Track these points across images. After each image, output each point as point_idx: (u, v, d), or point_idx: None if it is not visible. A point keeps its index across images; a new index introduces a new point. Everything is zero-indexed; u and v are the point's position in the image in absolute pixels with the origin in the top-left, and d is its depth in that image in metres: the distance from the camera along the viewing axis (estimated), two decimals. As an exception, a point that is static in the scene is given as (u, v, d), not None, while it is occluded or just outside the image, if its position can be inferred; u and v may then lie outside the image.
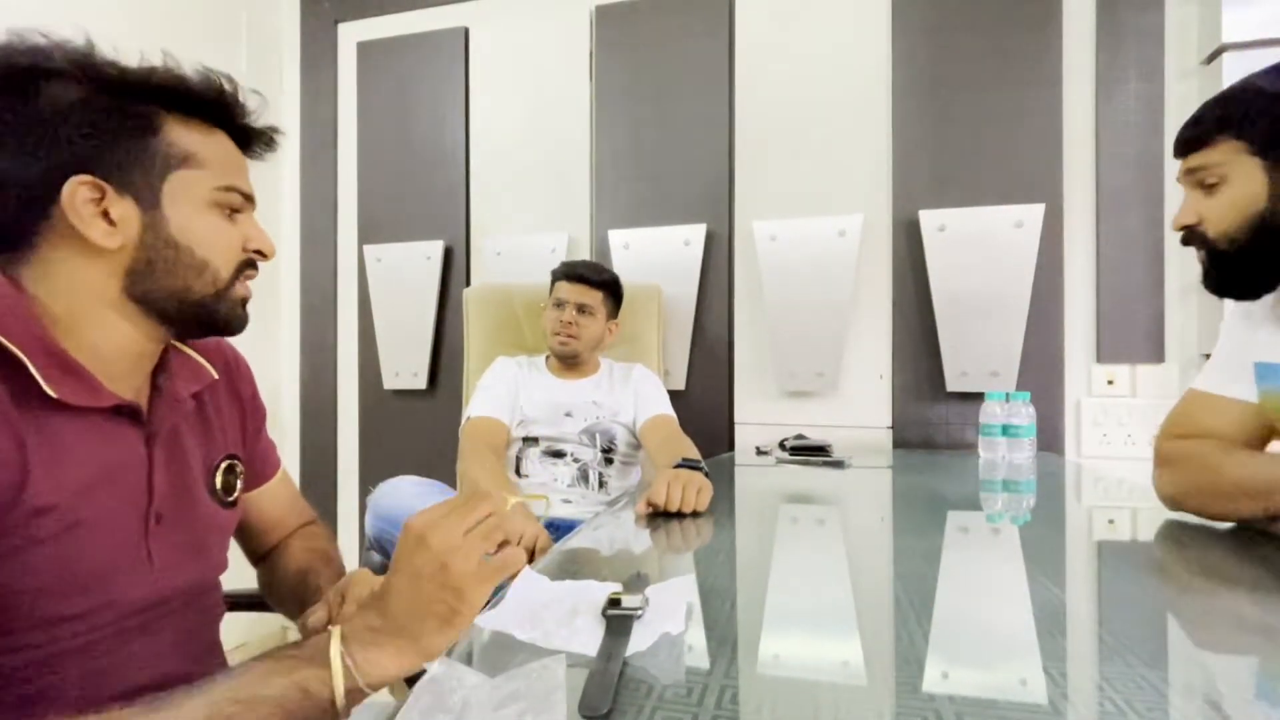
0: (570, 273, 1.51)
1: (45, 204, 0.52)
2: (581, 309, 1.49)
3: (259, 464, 0.78)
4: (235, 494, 0.71)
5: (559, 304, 1.50)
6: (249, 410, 0.75)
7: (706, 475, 1.04)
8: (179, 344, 0.66)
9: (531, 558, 1.08)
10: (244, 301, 0.63)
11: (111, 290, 0.55)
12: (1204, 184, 0.81)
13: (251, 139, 0.63)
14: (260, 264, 0.64)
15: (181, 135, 0.57)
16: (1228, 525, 0.84)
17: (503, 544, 0.51)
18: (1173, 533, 0.87)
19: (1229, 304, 0.89)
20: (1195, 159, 0.81)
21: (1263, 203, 0.76)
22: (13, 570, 0.50)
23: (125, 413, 0.58)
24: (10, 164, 0.51)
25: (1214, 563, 0.75)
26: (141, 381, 0.61)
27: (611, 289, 1.54)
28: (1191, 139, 0.82)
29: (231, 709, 0.42)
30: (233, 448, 0.72)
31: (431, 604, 0.47)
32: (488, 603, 0.51)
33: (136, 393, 0.60)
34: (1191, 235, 0.83)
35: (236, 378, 0.74)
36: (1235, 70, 1.46)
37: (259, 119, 0.63)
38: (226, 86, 0.59)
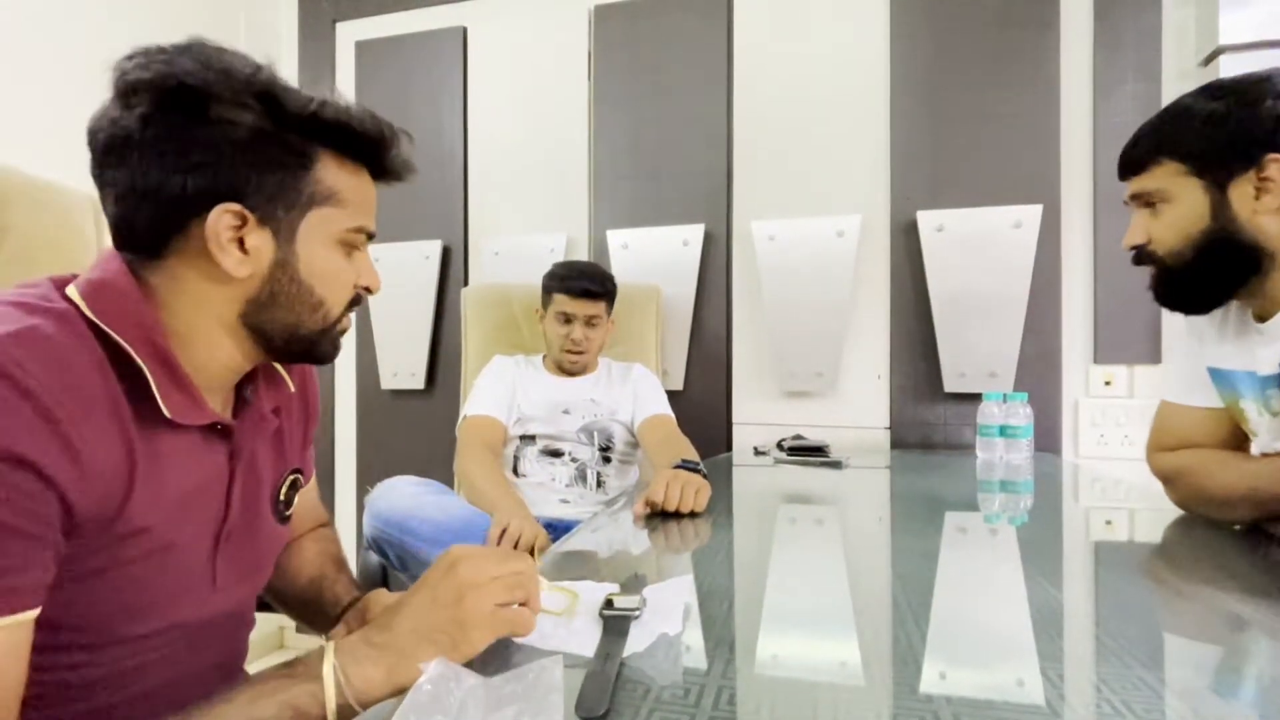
0: (574, 288, 1.45)
1: (185, 219, 0.52)
2: (589, 322, 1.47)
3: (304, 471, 0.77)
4: (292, 508, 0.70)
5: (566, 319, 1.46)
6: (311, 421, 0.75)
7: (705, 476, 1.04)
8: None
9: (532, 553, 1.09)
10: (343, 334, 0.63)
11: (229, 314, 0.55)
12: (1149, 205, 0.84)
13: (388, 173, 0.63)
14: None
15: (331, 173, 0.56)
16: (1227, 526, 0.85)
17: (521, 605, 0.51)
18: (1170, 533, 0.87)
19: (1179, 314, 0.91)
20: (1137, 183, 0.84)
21: (1206, 221, 0.78)
22: (97, 590, 0.49)
23: (218, 430, 0.57)
24: (162, 175, 0.51)
25: (1211, 563, 0.75)
26: (229, 395, 0.61)
27: (612, 295, 1.52)
28: (1131, 162, 0.85)
29: None
30: (297, 460, 0.71)
31: (436, 631, 0.47)
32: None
33: (224, 406, 0.60)
34: (1142, 254, 0.86)
35: (308, 387, 0.74)
36: (1233, 72, 1.46)
37: (403, 164, 0.63)
38: (387, 133, 0.59)
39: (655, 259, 1.87)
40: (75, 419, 0.44)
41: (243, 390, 0.62)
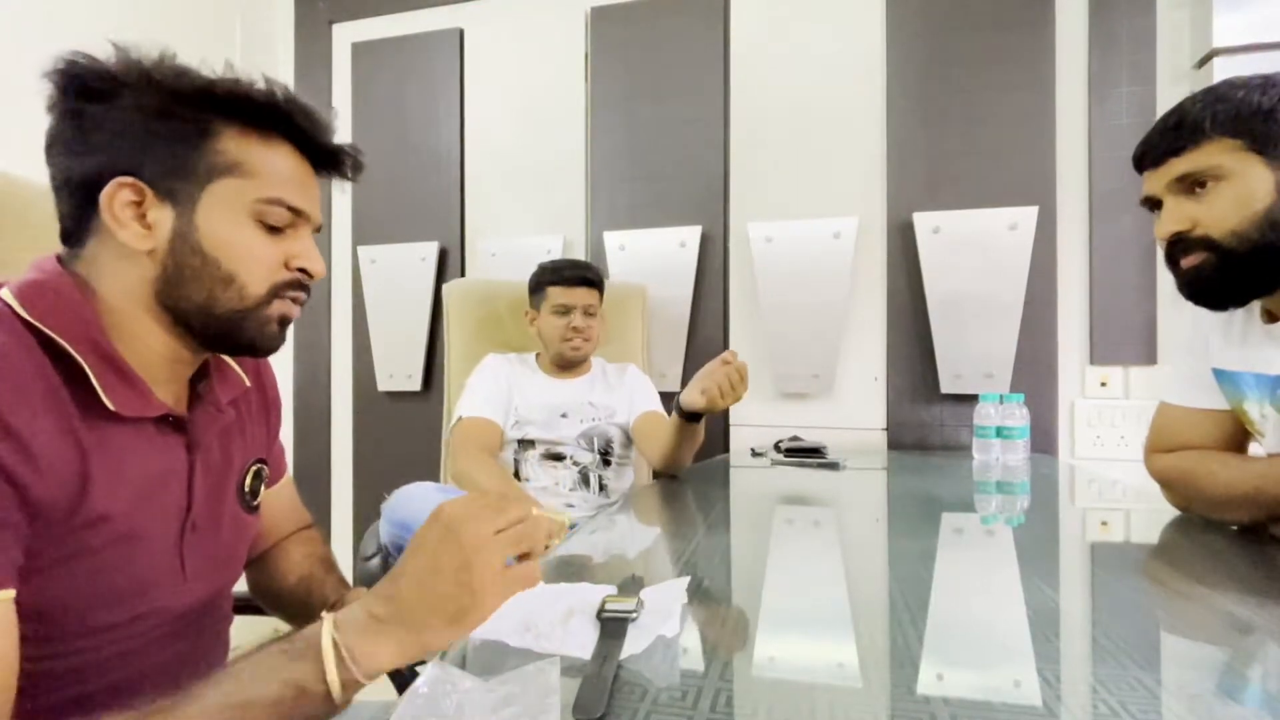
0: (571, 276, 1.48)
1: (94, 201, 0.53)
2: (588, 311, 1.48)
3: (273, 466, 0.78)
4: (259, 498, 0.71)
5: (565, 310, 1.47)
6: (273, 413, 0.76)
7: None
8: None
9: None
10: (281, 320, 0.60)
11: (146, 294, 0.55)
12: (1193, 187, 0.77)
13: (324, 158, 0.61)
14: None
15: (234, 144, 0.56)
16: (1224, 526, 0.85)
17: (523, 556, 0.50)
18: (1166, 534, 0.88)
19: (1190, 312, 0.86)
20: (1185, 162, 0.77)
21: (1272, 197, 0.73)
22: (64, 580, 0.50)
23: (170, 422, 0.58)
24: (70, 161, 0.54)
25: (1208, 564, 0.75)
26: (181, 388, 0.62)
27: (603, 286, 1.55)
28: (1172, 144, 0.78)
29: (226, 715, 0.41)
30: (261, 451, 0.72)
31: (445, 600, 0.45)
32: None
33: (177, 399, 0.61)
34: (1187, 243, 0.78)
35: (265, 381, 0.75)
36: (1226, 74, 1.47)
37: (328, 135, 0.60)
38: (280, 94, 0.57)
39: (652, 260, 1.87)
40: (17, 411, 0.45)
41: (197, 385, 0.63)
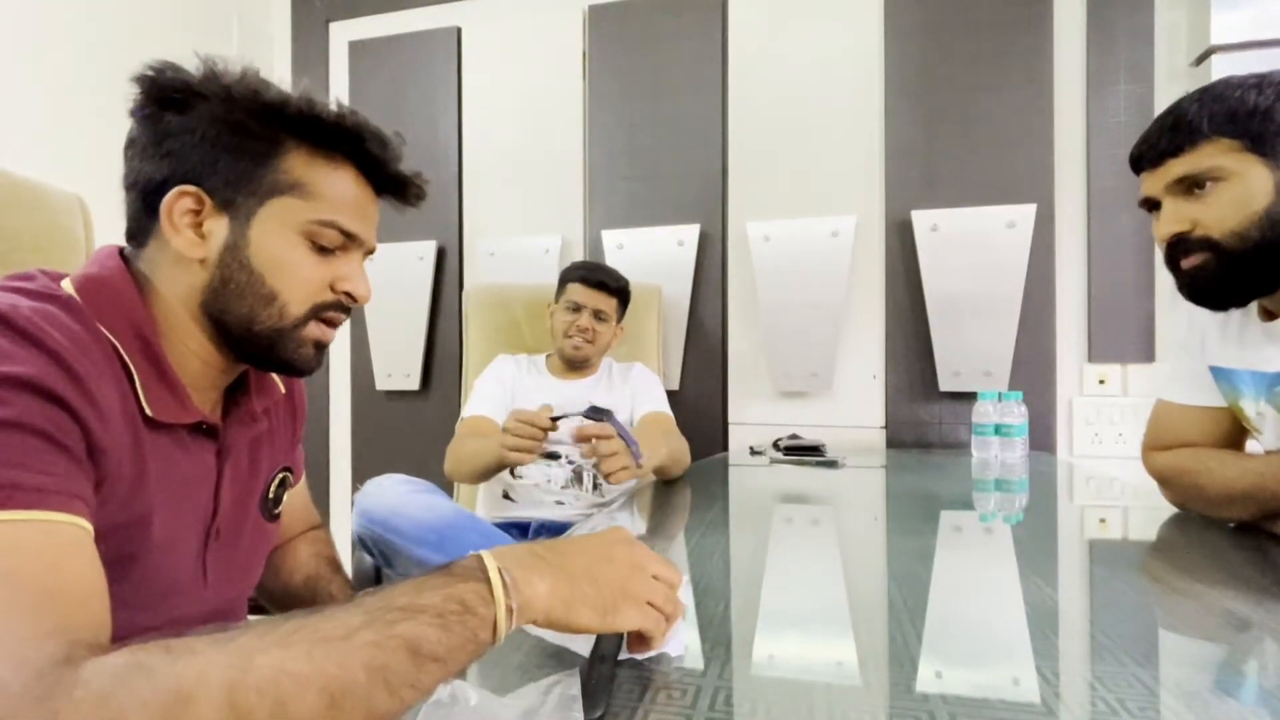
0: (590, 277, 1.49)
1: (156, 205, 0.55)
2: (598, 315, 1.49)
3: (294, 471, 0.78)
4: (281, 506, 0.71)
5: (575, 307, 1.48)
6: (300, 418, 0.76)
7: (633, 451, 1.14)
8: None
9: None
10: (317, 344, 0.60)
11: (194, 302, 0.56)
12: (1192, 188, 0.77)
13: (388, 183, 0.63)
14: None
15: (300, 164, 0.56)
16: (1223, 524, 0.85)
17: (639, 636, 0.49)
18: (1165, 532, 0.88)
19: (1186, 310, 0.87)
20: (1183, 163, 0.77)
21: (1269, 197, 0.73)
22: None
23: (204, 429, 0.59)
24: (139, 164, 0.55)
25: (1206, 561, 0.75)
26: (218, 395, 0.62)
27: (625, 296, 1.54)
28: (1170, 145, 0.77)
29: (392, 615, 0.39)
30: (286, 458, 0.72)
31: (601, 582, 0.45)
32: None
33: (213, 406, 0.61)
34: (1187, 244, 0.78)
35: (294, 387, 0.75)
36: (1224, 72, 1.47)
37: (397, 162, 0.62)
38: (351, 118, 0.58)
39: (651, 259, 1.87)
40: (94, 380, 0.46)
41: (234, 394, 0.63)
